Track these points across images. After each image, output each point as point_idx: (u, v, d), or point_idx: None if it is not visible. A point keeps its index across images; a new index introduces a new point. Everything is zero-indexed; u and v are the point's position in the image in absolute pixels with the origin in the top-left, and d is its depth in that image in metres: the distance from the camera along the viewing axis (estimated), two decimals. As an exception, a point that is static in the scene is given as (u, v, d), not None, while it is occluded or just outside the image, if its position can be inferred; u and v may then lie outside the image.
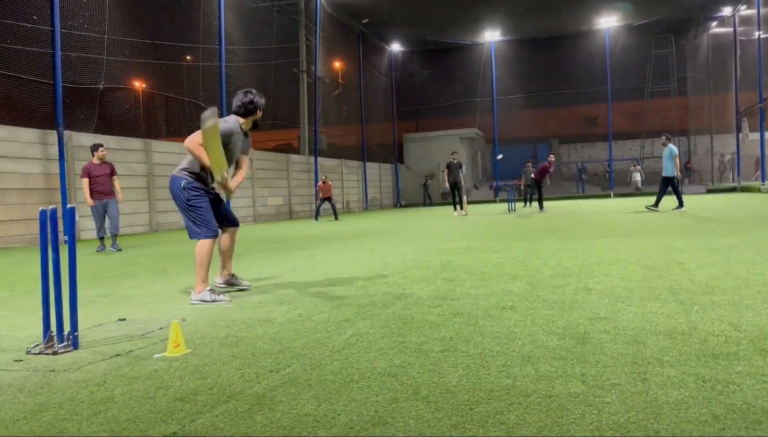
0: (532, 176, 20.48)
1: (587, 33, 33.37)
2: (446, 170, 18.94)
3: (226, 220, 5.13)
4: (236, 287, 5.21)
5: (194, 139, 4.68)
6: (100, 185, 10.32)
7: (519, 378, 2.47)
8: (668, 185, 14.76)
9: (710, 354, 2.68)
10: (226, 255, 5.23)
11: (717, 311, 3.54)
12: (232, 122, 4.92)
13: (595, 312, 3.66)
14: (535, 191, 20.30)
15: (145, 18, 17.23)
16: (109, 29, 15.35)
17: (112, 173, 10.52)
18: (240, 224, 5.40)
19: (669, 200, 15.84)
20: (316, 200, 21.42)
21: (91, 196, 10.26)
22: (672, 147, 14.69)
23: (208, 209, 4.84)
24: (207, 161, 4.62)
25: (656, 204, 14.93)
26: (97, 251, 10.28)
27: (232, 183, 4.90)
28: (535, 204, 20.94)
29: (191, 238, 4.83)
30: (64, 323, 3.31)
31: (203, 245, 4.79)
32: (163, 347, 3.22)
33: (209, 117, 4.41)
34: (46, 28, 13.63)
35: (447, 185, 18.96)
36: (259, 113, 5.06)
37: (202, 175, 4.86)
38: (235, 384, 2.58)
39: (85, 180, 10.29)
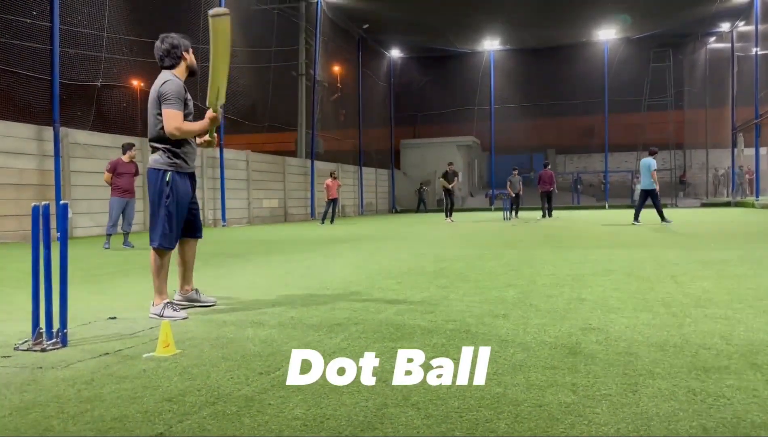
0: (540, 188, 20.68)
1: (586, 45, 33.52)
2: (445, 180, 19.22)
3: (192, 228, 4.44)
4: (199, 304, 4.47)
5: (173, 120, 4.05)
6: (125, 183, 10.58)
7: (510, 387, 2.46)
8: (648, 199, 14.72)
9: (701, 367, 2.68)
10: (187, 268, 4.49)
11: (709, 324, 3.54)
12: (173, 77, 4.18)
13: (587, 322, 3.65)
14: (518, 202, 21.40)
15: (144, 17, 17.20)
16: (108, 27, 15.32)
17: (136, 173, 10.88)
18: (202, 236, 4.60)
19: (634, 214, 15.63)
20: (326, 202, 20.06)
21: (114, 193, 10.51)
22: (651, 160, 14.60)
23: (182, 213, 4.28)
24: (197, 127, 4.10)
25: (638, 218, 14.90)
26: (105, 248, 10.35)
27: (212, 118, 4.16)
28: (521, 214, 21.40)
29: (151, 242, 4.23)
30: (54, 320, 3.28)
31: (156, 259, 4.21)
32: (153, 346, 3.20)
33: (222, 12, 3.86)
34: (45, 24, 13.60)
35: (457, 190, 19.18)
36: (189, 56, 4.30)
37: (187, 151, 4.28)
38: (223, 386, 2.57)
39: (108, 175, 10.50)
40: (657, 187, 14.43)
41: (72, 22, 14.54)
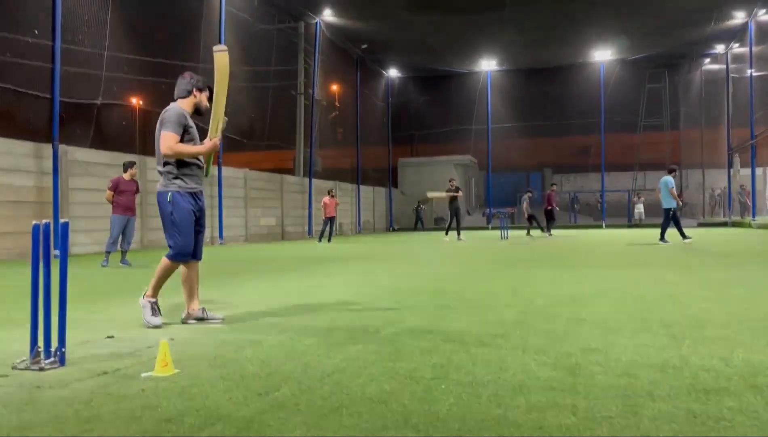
0: (547, 207, 21.06)
1: (582, 65, 33.81)
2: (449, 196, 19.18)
3: (194, 250, 4.69)
4: (206, 322, 4.62)
5: (167, 141, 4.39)
6: (126, 200, 10.63)
7: (510, 409, 2.46)
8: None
9: (701, 389, 2.68)
10: (192, 287, 4.71)
11: (708, 345, 3.54)
12: (176, 106, 4.58)
13: (586, 343, 3.65)
14: (543, 220, 21.54)
15: (145, 36, 17.34)
16: (109, 45, 15.43)
17: (137, 190, 10.96)
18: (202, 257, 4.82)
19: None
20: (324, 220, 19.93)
21: (116, 211, 10.52)
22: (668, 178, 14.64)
23: (189, 227, 4.56)
24: (192, 150, 4.47)
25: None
26: (102, 266, 10.34)
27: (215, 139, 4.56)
28: (534, 232, 21.64)
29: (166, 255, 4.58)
30: (52, 339, 3.27)
31: (169, 263, 4.55)
32: (151, 366, 3.18)
33: (224, 48, 4.46)
34: (46, 43, 13.69)
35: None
36: (200, 94, 4.66)
37: (188, 173, 4.56)
38: (222, 407, 2.55)
39: (110, 192, 10.55)
40: (678, 203, 14.38)
41: (73, 41, 14.63)
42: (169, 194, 4.51)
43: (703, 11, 25.50)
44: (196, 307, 4.69)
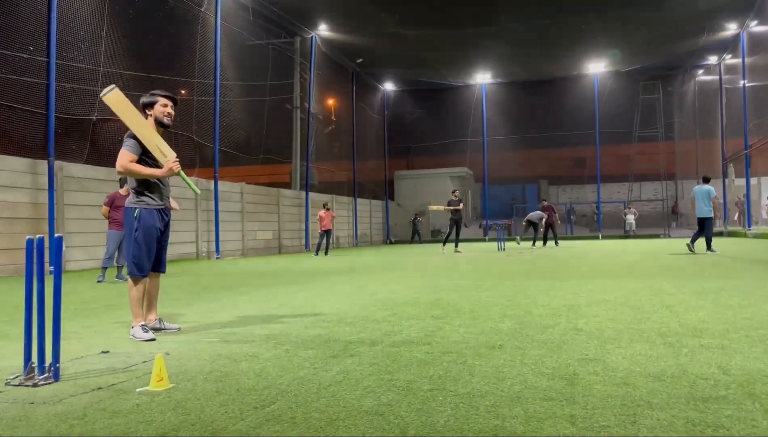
0: (544, 219, 21.65)
1: (576, 78, 34.04)
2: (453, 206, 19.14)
3: (156, 263, 4.84)
4: (163, 332, 4.81)
5: (121, 159, 4.56)
6: (122, 216, 10.49)
7: (508, 419, 2.44)
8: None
9: (699, 398, 2.67)
10: (151, 299, 4.92)
11: (705, 354, 3.53)
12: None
13: (584, 353, 3.64)
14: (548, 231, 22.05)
15: (141, 51, 17.39)
16: (104, 61, 15.47)
17: None
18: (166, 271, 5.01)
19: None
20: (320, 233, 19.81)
21: (112, 226, 10.50)
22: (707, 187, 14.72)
23: (150, 244, 4.69)
24: (145, 171, 4.58)
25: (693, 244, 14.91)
26: (98, 281, 10.28)
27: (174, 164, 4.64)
28: (539, 243, 22.13)
29: (128, 273, 4.78)
30: (46, 354, 3.24)
31: (132, 282, 4.70)
32: (147, 381, 3.16)
33: (108, 90, 4.57)
34: (41, 59, 13.72)
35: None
36: (152, 110, 4.75)
37: (154, 190, 4.72)
38: (218, 421, 2.53)
39: (106, 208, 10.55)
40: (715, 213, 14.34)
41: (68, 56, 14.66)
42: (137, 210, 4.67)
43: (696, 23, 25.74)
44: (152, 318, 4.87)
